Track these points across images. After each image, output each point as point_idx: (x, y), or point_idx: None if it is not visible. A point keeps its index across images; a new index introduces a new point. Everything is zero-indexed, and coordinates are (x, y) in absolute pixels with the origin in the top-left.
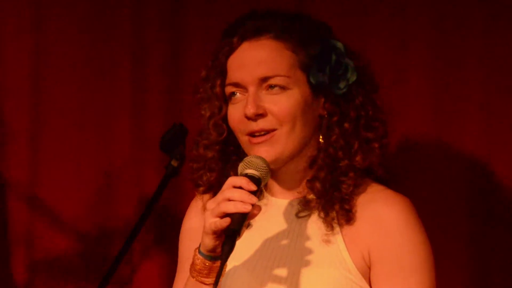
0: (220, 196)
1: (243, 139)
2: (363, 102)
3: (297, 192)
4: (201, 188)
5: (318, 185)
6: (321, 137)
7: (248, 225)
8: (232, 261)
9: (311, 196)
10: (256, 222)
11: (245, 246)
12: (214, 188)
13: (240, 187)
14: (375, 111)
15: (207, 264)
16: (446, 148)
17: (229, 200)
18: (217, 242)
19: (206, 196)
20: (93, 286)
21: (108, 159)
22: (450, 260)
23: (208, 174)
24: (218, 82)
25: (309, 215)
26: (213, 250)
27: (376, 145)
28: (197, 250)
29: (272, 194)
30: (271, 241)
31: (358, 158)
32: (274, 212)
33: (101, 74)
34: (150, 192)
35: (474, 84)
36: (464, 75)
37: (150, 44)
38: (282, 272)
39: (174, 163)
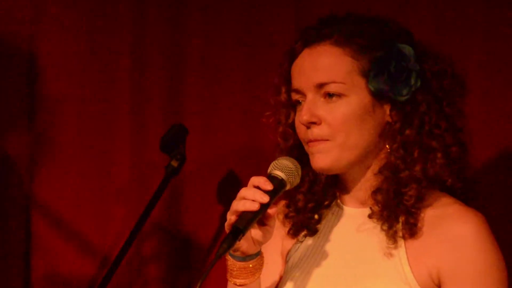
0: (239, 194)
1: (305, 147)
2: (428, 109)
3: (367, 202)
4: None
5: (380, 197)
6: (387, 145)
7: (316, 232)
8: (297, 268)
9: (376, 208)
10: (325, 229)
11: (312, 253)
12: (288, 194)
13: (258, 187)
14: (441, 118)
15: (236, 264)
16: None
17: (243, 198)
18: (243, 242)
19: (282, 202)
20: (93, 286)
21: (108, 160)
22: None
23: None
24: (284, 89)
25: (374, 227)
26: (236, 249)
27: (439, 155)
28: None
29: (344, 203)
30: (334, 250)
31: (417, 168)
32: (344, 221)
33: (101, 75)
34: (150, 192)
35: (474, 84)
36: (465, 74)
37: (150, 44)
38: (342, 283)
39: (174, 163)
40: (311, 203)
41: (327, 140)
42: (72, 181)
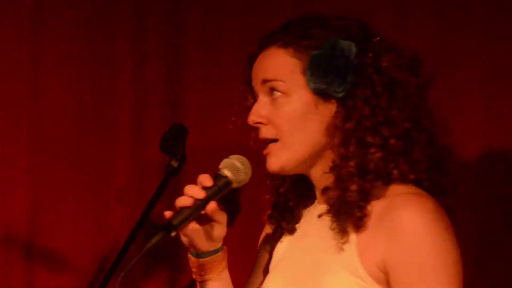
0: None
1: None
2: (365, 103)
3: (322, 196)
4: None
5: (326, 195)
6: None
7: (293, 231)
8: (273, 269)
9: (326, 206)
10: (300, 228)
11: (286, 253)
12: (272, 198)
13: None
14: (378, 113)
15: (193, 261)
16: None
17: (184, 194)
18: (185, 238)
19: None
20: (93, 286)
21: (108, 159)
22: None
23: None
24: (250, 94)
25: (329, 223)
26: (189, 245)
27: (374, 149)
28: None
29: (318, 201)
30: (300, 249)
31: (351, 163)
32: (314, 218)
33: (101, 75)
34: (150, 192)
35: (474, 84)
36: (465, 74)
37: (150, 44)
38: (301, 280)
39: (174, 163)
40: (291, 202)
41: (275, 140)
42: (72, 181)
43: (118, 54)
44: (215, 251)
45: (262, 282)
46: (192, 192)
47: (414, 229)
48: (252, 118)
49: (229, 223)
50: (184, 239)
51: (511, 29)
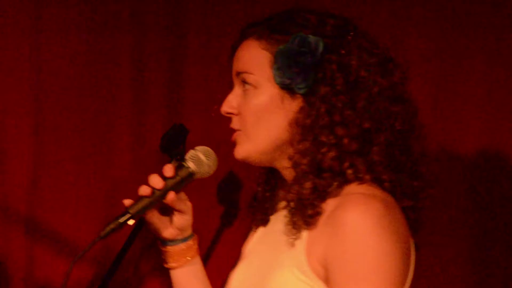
0: None
1: None
2: (323, 101)
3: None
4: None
5: (288, 188)
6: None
7: (267, 223)
8: (242, 256)
9: (288, 198)
10: (271, 220)
11: (253, 244)
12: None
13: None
14: (332, 111)
15: (161, 248)
16: (446, 148)
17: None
18: (151, 226)
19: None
20: (93, 286)
21: (108, 160)
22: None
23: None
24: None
25: (284, 218)
26: (155, 234)
27: (326, 148)
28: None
29: None
30: (264, 239)
31: (305, 161)
32: (277, 211)
33: (101, 75)
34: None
35: (474, 84)
36: (465, 74)
37: (150, 44)
38: (256, 270)
39: (174, 163)
40: (267, 193)
41: (240, 130)
42: (72, 181)
43: (118, 54)
44: (183, 240)
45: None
46: (152, 182)
47: (354, 229)
48: (224, 108)
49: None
50: (150, 228)
51: (511, 29)
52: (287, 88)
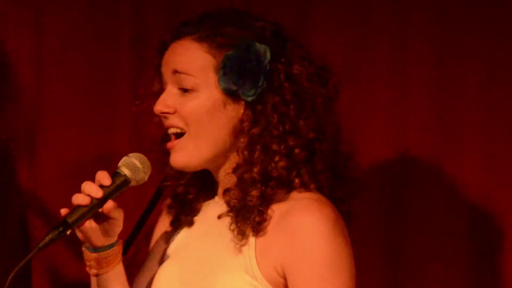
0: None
1: (161, 146)
2: (274, 110)
3: (222, 193)
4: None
5: (227, 197)
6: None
7: (191, 224)
8: (169, 260)
9: (225, 207)
10: (198, 222)
11: (181, 246)
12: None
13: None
14: (286, 121)
15: (89, 255)
16: (446, 148)
17: (81, 192)
18: (80, 233)
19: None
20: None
21: (108, 159)
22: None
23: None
24: (157, 80)
25: (228, 223)
26: (85, 241)
27: (278, 157)
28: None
29: (218, 194)
30: (195, 244)
31: (255, 169)
32: (212, 211)
33: (101, 75)
34: (150, 192)
35: (475, 83)
36: (465, 74)
37: (150, 44)
38: (192, 278)
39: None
40: (190, 195)
41: (183, 131)
42: (72, 181)
43: (118, 53)
44: (111, 246)
45: (156, 272)
46: (89, 190)
47: (310, 234)
48: (159, 107)
49: None
50: (79, 235)
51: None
52: (232, 94)
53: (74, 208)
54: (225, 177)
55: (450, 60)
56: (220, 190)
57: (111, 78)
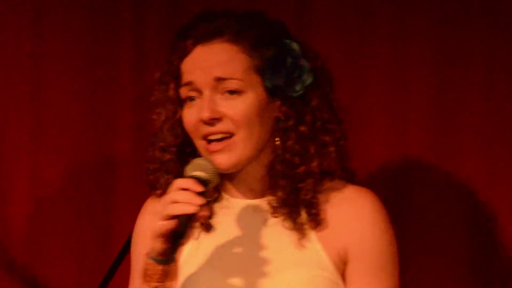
0: (166, 198)
1: (200, 143)
2: (319, 104)
3: (259, 193)
4: (159, 191)
5: (280, 193)
6: (277, 139)
7: (211, 228)
8: (195, 266)
9: (276, 204)
10: (222, 224)
11: (210, 250)
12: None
13: (187, 189)
14: (332, 113)
15: (158, 268)
16: (446, 148)
17: (175, 202)
18: (167, 246)
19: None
20: (93, 286)
21: (109, 159)
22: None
23: (165, 176)
24: (172, 85)
25: (279, 220)
26: (163, 253)
27: (332, 149)
28: (148, 255)
29: (232, 195)
30: (241, 245)
31: (314, 163)
32: (239, 213)
33: (101, 75)
34: (150, 192)
35: (475, 83)
36: (465, 74)
37: (151, 44)
38: (256, 277)
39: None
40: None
41: (232, 134)
42: (73, 181)
43: (118, 54)
44: (175, 259)
45: (185, 281)
46: (191, 199)
47: (376, 221)
48: (208, 114)
49: None
50: (162, 245)
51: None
52: (276, 93)
53: (179, 219)
54: (253, 175)
55: (450, 59)
56: (243, 189)
57: (111, 79)
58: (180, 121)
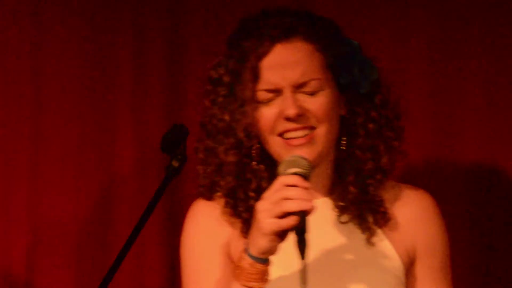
0: (275, 195)
1: (275, 140)
2: (382, 101)
3: (325, 191)
4: (219, 193)
5: (352, 189)
6: (344, 138)
7: None
8: (274, 267)
9: (344, 200)
10: None
11: (283, 250)
12: (233, 194)
13: (295, 185)
14: (393, 109)
15: (258, 267)
16: (447, 146)
17: (288, 199)
18: (275, 244)
19: (222, 201)
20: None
21: (109, 160)
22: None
23: (227, 178)
24: (250, 85)
25: (345, 218)
26: (268, 252)
27: (397, 144)
28: (245, 254)
29: None
30: (314, 245)
31: (385, 159)
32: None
33: (101, 75)
34: (151, 192)
35: (475, 82)
36: (466, 73)
37: (150, 44)
38: (331, 275)
39: (175, 163)
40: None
41: (314, 127)
42: (73, 181)
43: (118, 54)
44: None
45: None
46: (303, 195)
47: (440, 222)
48: (295, 111)
49: None
50: (273, 244)
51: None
52: (346, 90)
53: (298, 215)
54: (321, 173)
55: (450, 59)
56: (312, 188)
57: (111, 79)
58: (242, 122)
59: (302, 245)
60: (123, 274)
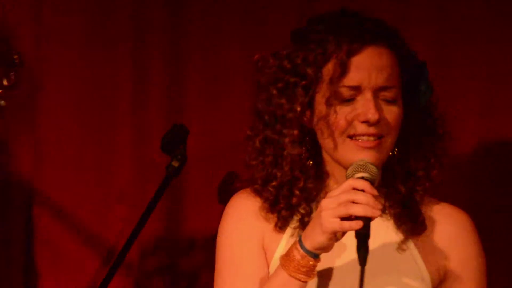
0: (342, 196)
1: (344, 140)
2: (435, 114)
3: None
4: (270, 187)
5: (402, 189)
6: (396, 149)
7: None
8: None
9: (390, 199)
10: None
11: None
12: (277, 190)
13: (362, 190)
14: (442, 123)
15: (310, 262)
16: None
17: (355, 202)
18: (331, 242)
19: (258, 198)
20: (94, 286)
21: (109, 159)
22: None
23: (286, 171)
24: (334, 79)
25: (381, 222)
26: (323, 248)
27: (446, 161)
28: (298, 245)
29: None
30: (341, 244)
31: (435, 171)
32: None
33: (101, 75)
34: (151, 192)
35: (475, 81)
36: (465, 73)
37: (151, 44)
38: (356, 278)
39: (175, 163)
40: (305, 197)
41: (382, 136)
42: (73, 182)
43: (119, 54)
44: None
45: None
46: (370, 202)
47: (478, 242)
48: (376, 116)
49: None
50: (330, 242)
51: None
52: (408, 102)
53: (363, 220)
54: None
55: (450, 59)
56: None
57: (111, 79)
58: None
59: (363, 250)
60: (123, 273)
